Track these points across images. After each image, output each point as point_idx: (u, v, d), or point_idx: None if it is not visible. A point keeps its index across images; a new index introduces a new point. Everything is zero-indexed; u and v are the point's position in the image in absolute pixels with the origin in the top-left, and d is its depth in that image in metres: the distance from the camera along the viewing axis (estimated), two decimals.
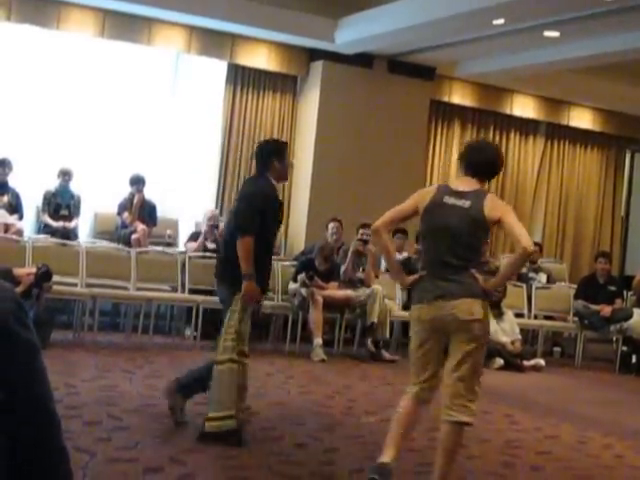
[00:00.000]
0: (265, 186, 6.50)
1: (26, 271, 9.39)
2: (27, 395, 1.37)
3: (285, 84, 13.64)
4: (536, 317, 12.97)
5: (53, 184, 11.75)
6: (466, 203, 5.21)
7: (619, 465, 6.64)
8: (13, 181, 11.41)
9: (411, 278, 5.32)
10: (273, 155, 6.60)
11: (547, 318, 12.86)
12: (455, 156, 14.98)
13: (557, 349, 13.29)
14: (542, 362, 11.57)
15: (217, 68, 13.31)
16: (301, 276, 10.87)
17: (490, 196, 5.34)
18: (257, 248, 6.21)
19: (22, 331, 1.37)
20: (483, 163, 5.40)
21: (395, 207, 5.36)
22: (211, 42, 12.79)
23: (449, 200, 5.22)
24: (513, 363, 11.48)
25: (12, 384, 1.32)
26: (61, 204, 11.68)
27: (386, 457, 5.13)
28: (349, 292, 11.13)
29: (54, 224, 11.50)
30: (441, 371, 5.26)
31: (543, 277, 13.66)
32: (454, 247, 5.19)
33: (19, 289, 9.32)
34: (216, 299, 10.80)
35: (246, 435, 6.23)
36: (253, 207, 6.32)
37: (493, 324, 11.85)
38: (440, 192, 5.28)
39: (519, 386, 10.28)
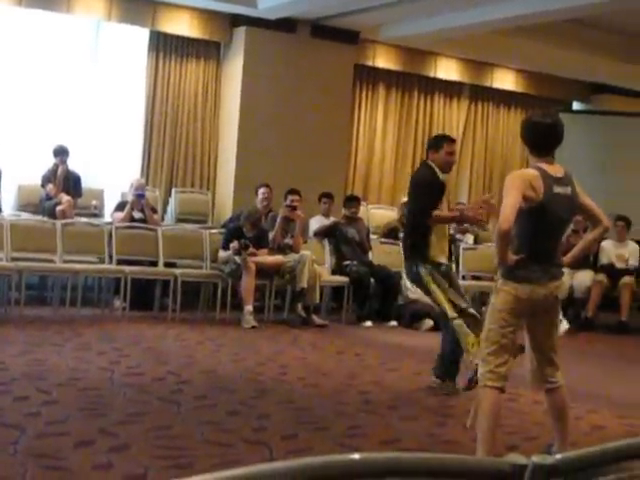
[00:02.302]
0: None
1: None
2: None
3: (208, 51, 13.53)
4: (464, 277, 13.10)
5: None
6: (568, 190, 5.26)
7: (547, 421, 6.78)
8: None
9: (515, 258, 5.29)
10: (429, 148, 7.85)
11: (475, 278, 13.00)
12: (380, 120, 15.08)
13: (485, 308, 13.42)
14: None
15: (139, 36, 13.14)
16: (234, 244, 10.84)
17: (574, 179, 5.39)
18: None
19: None
20: (557, 138, 5.33)
21: (509, 205, 5.05)
22: (132, 9, 12.58)
23: (557, 189, 5.20)
24: None
25: None
26: None
27: None
28: (280, 258, 11.14)
29: None
30: None
31: (470, 238, 13.81)
32: (560, 234, 5.50)
33: None
34: (145, 269, 10.87)
35: None
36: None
37: None
38: (547, 181, 5.16)
39: None
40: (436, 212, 7.41)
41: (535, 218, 5.21)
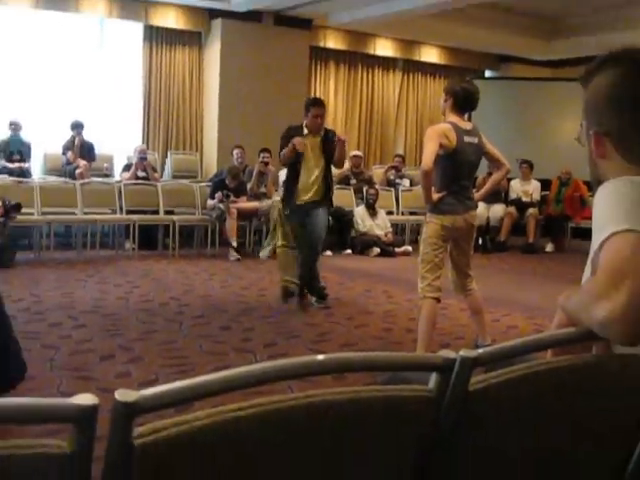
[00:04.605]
0: None
1: None
2: None
3: (192, 39, 13.36)
4: (403, 214, 13.17)
5: (5, 135, 11.49)
6: (475, 140, 5.35)
7: (471, 323, 6.85)
8: None
9: (437, 196, 5.31)
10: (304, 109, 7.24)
11: (411, 214, 13.04)
12: (332, 90, 15.02)
13: (419, 237, 13.51)
14: (409, 248, 11.78)
15: (135, 29, 13.00)
16: (218, 194, 10.83)
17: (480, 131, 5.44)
18: None
19: None
20: (476, 102, 5.38)
21: (429, 151, 5.11)
22: (128, 8, 12.45)
23: (467, 139, 5.28)
24: (387, 251, 11.67)
25: None
26: (12, 151, 11.41)
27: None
28: (256, 204, 11.13)
29: (10, 166, 11.25)
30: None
31: (407, 182, 13.82)
32: (470, 175, 5.51)
33: None
34: (148, 217, 10.82)
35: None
36: None
37: (369, 221, 12.02)
38: (459, 133, 5.24)
39: (392, 268, 10.44)
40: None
41: (451, 162, 5.31)
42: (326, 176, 7.29)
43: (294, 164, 7.20)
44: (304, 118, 7.22)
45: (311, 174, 7.22)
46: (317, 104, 7.27)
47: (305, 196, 7.23)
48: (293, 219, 7.34)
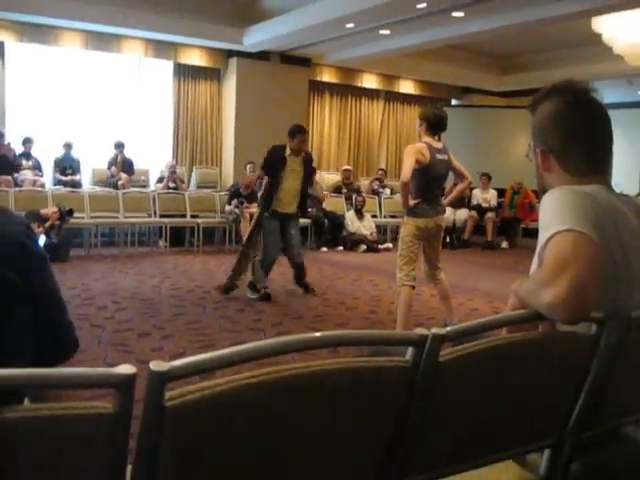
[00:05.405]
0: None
1: (51, 210, 9.28)
2: (42, 290, 1.33)
3: (212, 75, 13.31)
4: (385, 217, 13.16)
5: (60, 153, 11.53)
6: (445, 157, 5.35)
7: (440, 306, 6.86)
8: (35, 152, 11.11)
9: (413, 202, 5.30)
10: (288, 134, 7.10)
11: (391, 217, 13.03)
12: (327, 116, 14.99)
13: (398, 236, 13.49)
14: (390, 245, 11.78)
15: (166, 66, 12.94)
16: (234, 201, 10.83)
17: (449, 150, 5.45)
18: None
19: (32, 244, 1.32)
20: (445, 125, 5.36)
21: (407, 166, 5.11)
22: (161, 48, 12.42)
23: (438, 156, 5.28)
24: (372, 247, 11.67)
25: (31, 283, 1.28)
26: (66, 166, 11.43)
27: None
28: None
29: (64, 178, 11.25)
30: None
31: (388, 191, 13.81)
32: (440, 185, 5.48)
33: (48, 223, 9.12)
34: (178, 220, 10.79)
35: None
36: None
37: (358, 222, 12.01)
38: (432, 151, 5.24)
39: (377, 261, 10.45)
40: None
41: (424, 175, 5.31)
42: (302, 191, 7.24)
43: (275, 176, 7.05)
44: (288, 141, 7.06)
45: (291, 189, 7.12)
46: (303, 131, 7.13)
47: (287, 208, 7.12)
48: (273, 222, 7.09)
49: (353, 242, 11.74)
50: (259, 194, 11.09)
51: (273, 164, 7.09)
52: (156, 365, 1.00)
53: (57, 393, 1.23)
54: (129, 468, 1.05)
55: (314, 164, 7.49)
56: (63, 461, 0.99)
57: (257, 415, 1.14)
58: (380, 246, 11.78)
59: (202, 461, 1.11)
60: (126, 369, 0.98)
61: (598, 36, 10.69)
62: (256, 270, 7.18)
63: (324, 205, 12.33)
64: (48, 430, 0.96)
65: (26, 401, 1.27)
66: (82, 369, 0.97)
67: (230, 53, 13.00)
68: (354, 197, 12.45)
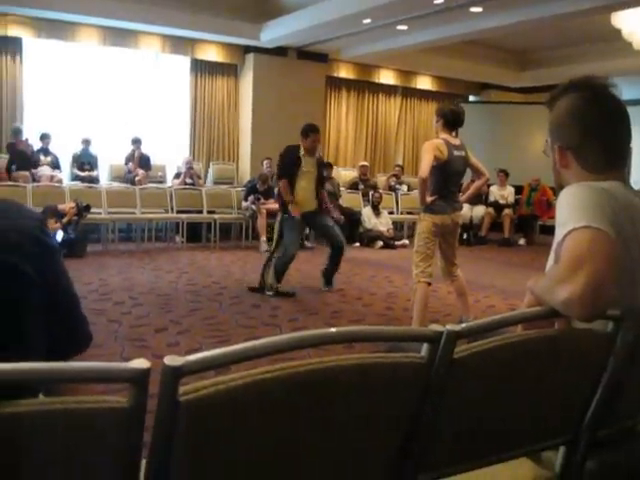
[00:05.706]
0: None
1: (69, 205, 9.33)
2: (57, 284, 1.34)
3: (229, 70, 13.32)
4: (401, 213, 13.13)
5: (78, 149, 11.58)
6: (462, 153, 5.32)
7: (457, 303, 6.84)
8: (52, 147, 11.14)
9: (430, 198, 5.28)
10: (301, 134, 7.05)
11: (408, 213, 12.99)
12: (343, 112, 14.97)
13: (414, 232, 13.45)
14: (407, 242, 11.73)
15: (183, 62, 12.96)
16: (251, 197, 10.85)
17: (466, 146, 5.42)
18: None
19: (46, 238, 1.33)
20: (462, 122, 5.33)
21: (425, 162, 5.08)
22: (178, 44, 12.43)
23: (456, 153, 5.25)
24: (389, 244, 11.64)
25: (46, 277, 1.29)
26: (84, 162, 11.48)
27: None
28: None
29: (82, 174, 11.30)
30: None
31: (405, 187, 13.77)
32: (457, 182, 5.46)
33: (65, 219, 9.18)
34: (194, 215, 10.83)
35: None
36: None
37: (374, 219, 11.99)
38: (449, 147, 5.21)
39: (393, 258, 10.42)
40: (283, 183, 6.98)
41: (442, 171, 5.27)
42: (318, 190, 7.22)
43: (291, 177, 7.04)
44: (302, 141, 7.04)
45: (308, 188, 7.12)
46: (316, 130, 7.10)
47: (306, 206, 7.09)
48: (294, 220, 7.05)
49: (370, 238, 11.73)
50: (276, 190, 11.21)
51: (289, 164, 7.10)
52: (170, 360, 1.00)
53: (72, 387, 1.24)
54: (143, 463, 1.06)
55: (331, 160, 7.44)
56: (77, 455, 1.00)
57: (272, 410, 1.14)
58: (397, 242, 11.76)
59: (216, 456, 1.11)
60: (140, 363, 0.98)
61: (618, 32, 10.59)
62: (269, 269, 7.16)
63: (340, 201, 12.32)
64: (62, 424, 0.97)
65: (40, 396, 1.28)
66: (96, 363, 0.97)
67: (247, 49, 13.01)
68: (371, 193, 12.43)
